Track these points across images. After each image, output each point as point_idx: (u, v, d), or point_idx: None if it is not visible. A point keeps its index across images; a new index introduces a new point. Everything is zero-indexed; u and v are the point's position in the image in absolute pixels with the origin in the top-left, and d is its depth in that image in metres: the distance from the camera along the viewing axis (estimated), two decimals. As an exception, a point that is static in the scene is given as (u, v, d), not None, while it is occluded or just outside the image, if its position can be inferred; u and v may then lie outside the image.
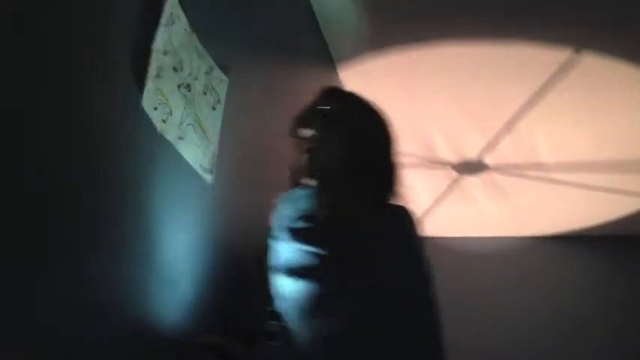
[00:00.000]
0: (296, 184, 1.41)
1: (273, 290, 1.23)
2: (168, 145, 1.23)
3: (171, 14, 1.24)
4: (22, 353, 0.84)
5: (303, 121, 1.46)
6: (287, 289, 1.19)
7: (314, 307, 1.14)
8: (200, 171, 1.37)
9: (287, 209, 1.29)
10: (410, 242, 1.30)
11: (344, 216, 1.26)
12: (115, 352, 1.05)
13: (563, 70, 2.67)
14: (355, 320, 1.13)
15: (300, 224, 1.23)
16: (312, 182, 1.35)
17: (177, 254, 1.28)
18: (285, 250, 1.23)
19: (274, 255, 1.26)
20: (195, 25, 1.33)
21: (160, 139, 1.21)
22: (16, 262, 0.83)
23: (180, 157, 1.28)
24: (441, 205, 3.91)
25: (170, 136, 1.24)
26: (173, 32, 1.25)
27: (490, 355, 3.68)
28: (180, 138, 1.28)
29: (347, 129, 1.39)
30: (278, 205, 1.32)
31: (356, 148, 1.37)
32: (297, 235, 1.22)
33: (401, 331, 1.14)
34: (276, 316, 1.25)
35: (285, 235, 1.24)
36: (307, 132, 1.39)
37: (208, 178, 1.40)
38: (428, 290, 1.24)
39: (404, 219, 1.33)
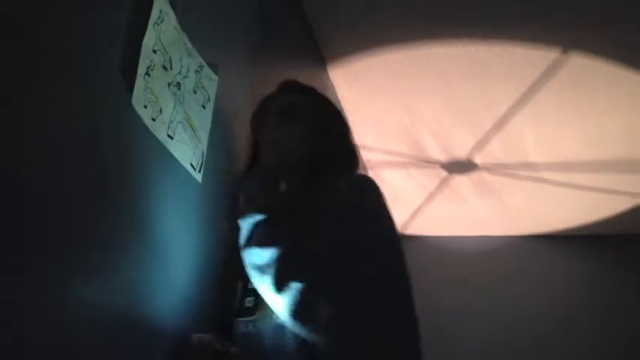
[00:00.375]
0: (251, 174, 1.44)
1: (246, 266, 1.24)
2: (158, 144, 1.23)
3: (160, 12, 1.24)
4: (18, 351, 0.84)
5: (263, 113, 1.48)
6: (255, 259, 1.22)
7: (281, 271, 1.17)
8: (190, 170, 1.37)
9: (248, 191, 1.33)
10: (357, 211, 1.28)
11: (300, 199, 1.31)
12: (109, 351, 1.05)
13: (551, 70, 2.69)
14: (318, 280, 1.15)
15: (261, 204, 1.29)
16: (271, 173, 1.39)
17: (169, 252, 1.28)
18: (249, 228, 1.27)
19: (242, 234, 1.28)
20: (184, 23, 1.33)
21: (150, 137, 1.21)
22: (10, 263, 0.83)
23: (170, 155, 1.28)
24: (431, 205, 3.93)
25: (160, 134, 1.24)
26: (162, 30, 1.25)
27: (478, 353, 3.70)
28: (170, 136, 1.28)
29: (308, 120, 1.43)
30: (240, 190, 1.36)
31: (318, 138, 1.42)
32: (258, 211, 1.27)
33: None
34: (250, 292, 1.30)
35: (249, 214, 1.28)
36: (269, 124, 1.42)
37: (198, 176, 1.40)
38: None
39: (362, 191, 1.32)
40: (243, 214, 1.29)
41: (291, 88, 1.55)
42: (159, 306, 1.23)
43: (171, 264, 1.29)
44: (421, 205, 3.92)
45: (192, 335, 1.29)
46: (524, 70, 2.71)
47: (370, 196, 1.30)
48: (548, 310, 3.88)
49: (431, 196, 3.85)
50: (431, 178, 3.67)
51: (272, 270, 1.17)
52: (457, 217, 4.15)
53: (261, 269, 1.19)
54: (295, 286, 1.13)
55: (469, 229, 4.32)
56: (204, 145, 1.43)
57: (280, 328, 1.21)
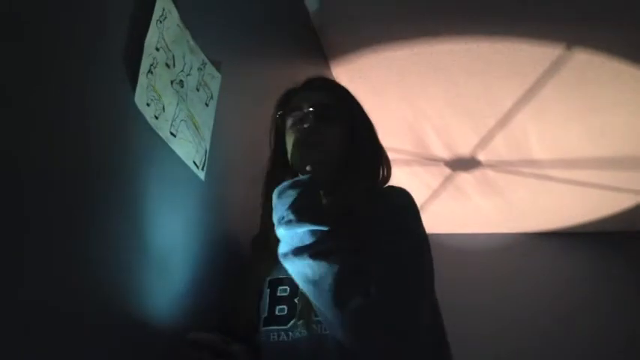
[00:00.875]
0: (278, 175, 1.40)
1: (296, 277, 1.18)
2: (161, 142, 1.23)
3: (163, 9, 1.23)
4: (14, 345, 0.84)
5: (291, 109, 1.42)
6: (309, 272, 1.15)
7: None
8: (193, 167, 1.36)
9: (284, 200, 1.24)
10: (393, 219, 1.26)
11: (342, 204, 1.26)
12: (107, 348, 1.05)
13: (555, 66, 2.68)
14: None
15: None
16: (303, 174, 1.34)
17: (171, 250, 1.27)
18: (302, 236, 1.18)
19: (288, 241, 1.20)
20: (187, 20, 1.33)
21: (153, 135, 1.20)
22: (14, 255, 0.83)
23: (172, 153, 1.28)
24: (434, 202, 3.92)
25: (163, 132, 1.23)
26: (165, 28, 1.24)
27: (483, 350, 3.69)
28: (173, 134, 1.28)
29: (344, 122, 1.39)
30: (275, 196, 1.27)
31: (352, 141, 1.38)
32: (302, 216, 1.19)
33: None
34: (282, 300, 1.27)
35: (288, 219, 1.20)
36: (305, 123, 1.35)
37: (201, 174, 1.40)
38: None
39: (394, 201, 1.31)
40: (292, 220, 1.18)
41: (324, 84, 1.50)
42: (159, 304, 1.22)
43: (172, 261, 1.28)
44: (425, 203, 3.92)
45: (191, 333, 1.26)
46: (528, 66, 2.71)
47: (411, 207, 1.29)
48: (552, 307, 3.87)
49: (435, 194, 3.84)
50: (434, 175, 3.67)
51: (332, 284, 1.10)
52: (461, 214, 4.14)
53: (316, 283, 1.12)
54: (357, 302, 1.07)
55: (473, 227, 4.32)
56: (207, 143, 1.43)
57: (320, 339, 1.17)
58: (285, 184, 1.25)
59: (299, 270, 1.16)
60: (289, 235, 1.19)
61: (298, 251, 1.16)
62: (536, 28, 2.51)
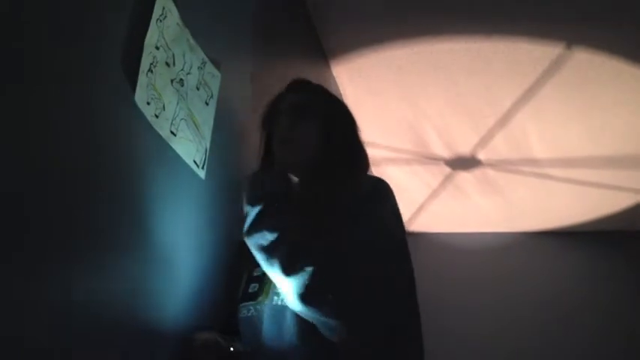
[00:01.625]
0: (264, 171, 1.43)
1: (253, 249, 1.25)
2: (161, 140, 1.23)
3: (163, 8, 1.23)
4: (20, 345, 0.84)
5: (274, 111, 1.48)
6: (260, 240, 1.22)
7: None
8: (193, 166, 1.37)
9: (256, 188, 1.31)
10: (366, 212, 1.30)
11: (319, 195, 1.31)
12: (112, 347, 1.05)
13: (555, 66, 2.68)
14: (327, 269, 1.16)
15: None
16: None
17: (172, 249, 1.27)
18: (255, 212, 1.26)
19: (248, 220, 1.27)
20: (186, 19, 1.33)
21: (153, 134, 1.20)
22: (15, 257, 0.83)
23: (173, 152, 1.28)
24: (434, 201, 3.92)
25: (163, 131, 1.24)
26: (165, 27, 1.24)
27: (481, 349, 3.69)
28: (173, 133, 1.28)
29: (319, 119, 1.44)
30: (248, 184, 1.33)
31: (328, 137, 1.42)
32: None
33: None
34: (255, 279, 1.34)
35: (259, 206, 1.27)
36: (281, 122, 1.42)
37: (201, 173, 1.40)
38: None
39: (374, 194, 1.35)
40: (250, 202, 1.28)
41: (301, 86, 1.56)
42: (162, 304, 1.23)
43: (174, 261, 1.29)
44: (425, 202, 3.92)
45: (196, 334, 1.30)
46: (528, 66, 2.71)
47: (385, 198, 1.33)
48: (552, 306, 3.87)
49: (434, 193, 3.84)
50: (434, 174, 3.66)
51: (281, 253, 1.17)
52: (461, 213, 4.14)
53: (267, 250, 1.19)
54: (307, 270, 1.14)
55: (473, 226, 4.31)
56: (207, 142, 1.43)
57: (280, 309, 1.23)
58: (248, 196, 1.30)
59: (254, 242, 1.23)
60: (250, 213, 1.26)
61: (250, 225, 1.24)
62: (536, 27, 2.51)
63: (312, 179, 1.37)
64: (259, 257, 1.22)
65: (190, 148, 1.35)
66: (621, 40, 2.52)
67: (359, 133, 1.52)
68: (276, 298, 1.25)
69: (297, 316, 1.19)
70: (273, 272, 1.19)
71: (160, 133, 1.22)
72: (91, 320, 1.00)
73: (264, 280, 1.31)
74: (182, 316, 1.29)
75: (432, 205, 3.98)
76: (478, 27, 2.54)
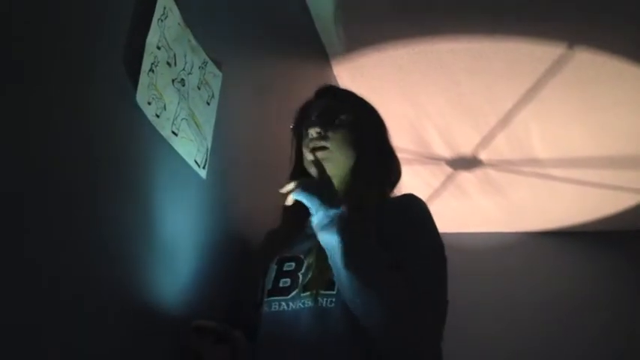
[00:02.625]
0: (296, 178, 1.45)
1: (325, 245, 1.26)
2: (162, 140, 1.23)
3: (165, 8, 1.23)
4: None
5: (303, 120, 1.49)
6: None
7: None
8: (194, 166, 1.36)
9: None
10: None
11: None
12: (112, 336, 1.05)
13: (556, 65, 2.67)
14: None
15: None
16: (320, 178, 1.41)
17: (172, 249, 1.27)
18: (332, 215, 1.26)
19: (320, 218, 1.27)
20: (188, 19, 1.33)
21: (154, 133, 1.20)
22: (24, 250, 0.83)
23: (174, 152, 1.28)
24: (436, 201, 3.92)
25: (164, 130, 1.23)
26: (166, 26, 1.24)
27: (482, 349, 3.69)
28: (175, 133, 1.28)
29: (349, 126, 1.44)
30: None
31: (359, 144, 1.44)
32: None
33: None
34: (287, 274, 1.34)
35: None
36: (314, 130, 1.41)
37: (202, 173, 1.40)
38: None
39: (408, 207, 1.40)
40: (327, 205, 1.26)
41: (328, 92, 1.56)
42: (162, 300, 1.22)
43: (174, 260, 1.29)
44: (426, 202, 3.92)
45: (194, 321, 1.29)
46: (530, 65, 2.70)
47: (424, 210, 1.41)
48: (553, 306, 3.87)
49: (436, 193, 3.84)
50: (436, 174, 3.66)
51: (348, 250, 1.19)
52: (462, 213, 4.14)
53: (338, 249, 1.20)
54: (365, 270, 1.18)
55: (474, 226, 4.31)
56: (208, 142, 1.43)
57: (324, 312, 1.23)
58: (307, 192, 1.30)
59: (329, 240, 1.24)
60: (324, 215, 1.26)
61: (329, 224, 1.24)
62: (537, 27, 2.50)
63: (352, 189, 1.38)
64: (330, 251, 1.23)
65: (191, 147, 1.35)
66: (623, 39, 2.52)
67: (389, 137, 1.53)
68: (320, 299, 1.25)
69: (344, 319, 1.20)
70: (350, 272, 1.18)
71: (161, 132, 1.22)
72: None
73: (296, 275, 1.31)
74: (181, 309, 1.29)
75: (433, 205, 3.95)
76: (480, 26, 2.54)
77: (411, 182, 3.75)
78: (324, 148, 1.40)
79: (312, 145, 1.41)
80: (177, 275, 1.29)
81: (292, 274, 1.32)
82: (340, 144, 1.41)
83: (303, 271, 1.31)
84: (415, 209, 1.39)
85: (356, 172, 1.42)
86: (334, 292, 1.24)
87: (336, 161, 1.41)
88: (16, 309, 0.84)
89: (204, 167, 1.41)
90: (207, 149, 1.43)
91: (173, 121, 1.27)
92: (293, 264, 1.34)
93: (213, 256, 1.45)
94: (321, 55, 2.70)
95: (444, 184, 3.76)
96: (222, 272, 1.48)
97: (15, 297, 0.84)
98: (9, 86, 0.85)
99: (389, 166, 1.51)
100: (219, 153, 1.49)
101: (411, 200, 1.41)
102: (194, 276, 1.36)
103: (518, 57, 2.65)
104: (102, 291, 1.04)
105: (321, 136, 1.40)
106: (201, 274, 1.39)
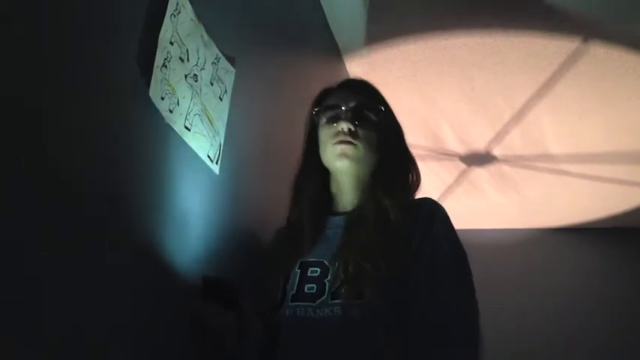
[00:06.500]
0: (308, 169, 1.46)
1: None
2: (175, 135, 1.24)
3: (177, 4, 1.24)
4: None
5: (325, 109, 1.45)
6: None
7: None
8: (207, 161, 1.37)
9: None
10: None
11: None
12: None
13: (571, 60, 2.65)
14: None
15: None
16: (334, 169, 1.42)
17: (185, 244, 1.28)
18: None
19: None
20: (200, 14, 1.33)
21: (167, 128, 1.21)
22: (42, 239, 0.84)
23: (187, 147, 1.28)
24: (449, 197, 3.91)
25: (177, 126, 1.24)
26: (179, 22, 1.25)
27: (499, 347, 3.67)
28: (187, 128, 1.28)
29: (378, 125, 1.43)
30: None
31: (385, 145, 1.43)
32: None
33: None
34: (311, 279, 1.34)
35: None
36: (345, 125, 1.38)
37: (215, 168, 1.41)
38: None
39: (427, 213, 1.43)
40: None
41: (363, 87, 1.51)
42: (173, 294, 1.23)
43: (186, 257, 1.29)
44: (439, 199, 3.90)
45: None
46: (544, 60, 2.69)
47: (445, 217, 1.48)
48: (568, 303, 3.85)
49: (449, 189, 3.83)
50: (449, 170, 3.65)
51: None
52: (476, 210, 4.13)
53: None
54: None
55: (488, 222, 4.30)
56: (221, 137, 1.43)
57: (353, 322, 1.23)
58: None
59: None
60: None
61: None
62: (552, 21, 2.48)
63: (376, 198, 1.37)
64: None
65: (204, 143, 1.35)
66: (638, 34, 2.50)
67: (405, 141, 1.52)
68: (350, 309, 1.24)
69: (373, 330, 1.22)
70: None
71: (174, 127, 1.23)
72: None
73: (322, 282, 1.29)
74: (193, 300, 1.30)
75: (447, 201, 3.96)
76: (493, 21, 2.52)
77: (425, 178, 3.72)
78: (352, 144, 1.37)
79: (341, 138, 1.37)
80: (187, 270, 1.30)
81: (318, 281, 1.30)
82: (369, 145, 1.39)
83: (329, 278, 1.29)
84: (439, 222, 1.45)
85: (377, 177, 1.40)
86: (364, 302, 1.23)
87: (362, 161, 1.38)
88: (15, 315, 0.85)
89: (217, 162, 1.41)
90: (220, 145, 1.43)
91: (186, 116, 1.28)
92: (318, 270, 1.32)
93: (226, 253, 1.46)
94: (334, 51, 2.70)
95: (457, 181, 3.75)
96: (233, 269, 1.48)
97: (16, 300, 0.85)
98: (21, 83, 0.85)
99: (410, 171, 1.49)
100: (232, 148, 1.49)
101: (433, 208, 1.44)
102: (205, 269, 1.36)
103: (532, 52, 2.63)
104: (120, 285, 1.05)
105: (352, 133, 1.37)
106: (213, 270, 1.39)
